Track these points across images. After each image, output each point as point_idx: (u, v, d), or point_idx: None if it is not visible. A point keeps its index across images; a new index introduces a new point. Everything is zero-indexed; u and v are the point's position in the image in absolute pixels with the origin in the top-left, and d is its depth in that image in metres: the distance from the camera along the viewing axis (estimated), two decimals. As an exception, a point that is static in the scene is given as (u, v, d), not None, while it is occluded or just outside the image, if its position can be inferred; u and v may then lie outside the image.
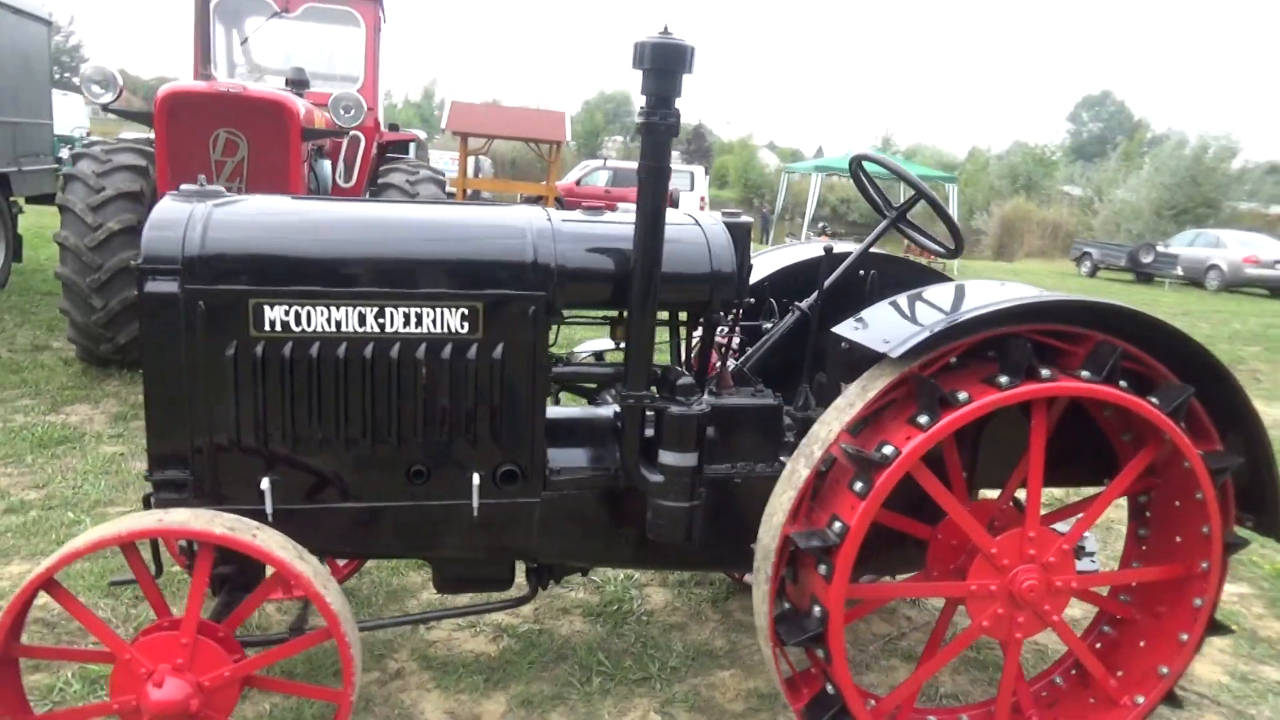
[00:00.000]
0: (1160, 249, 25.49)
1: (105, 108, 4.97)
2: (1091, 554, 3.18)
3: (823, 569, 2.34)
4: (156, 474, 2.43)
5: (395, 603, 3.52)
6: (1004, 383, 2.31)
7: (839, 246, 3.40)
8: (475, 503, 2.56)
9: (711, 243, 2.69)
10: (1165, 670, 2.63)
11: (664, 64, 2.35)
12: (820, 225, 24.74)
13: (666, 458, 2.58)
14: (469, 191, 23.23)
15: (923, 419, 2.31)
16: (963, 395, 2.31)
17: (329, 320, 2.42)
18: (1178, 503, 2.64)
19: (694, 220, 2.79)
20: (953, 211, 22.57)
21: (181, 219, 2.38)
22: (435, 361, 2.49)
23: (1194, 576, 2.61)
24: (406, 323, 2.47)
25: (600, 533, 2.75)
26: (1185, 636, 2.61)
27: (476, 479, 2.55)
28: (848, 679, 2.39)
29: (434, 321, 2.48)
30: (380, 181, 6.63)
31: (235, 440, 2.43)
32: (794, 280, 3.42)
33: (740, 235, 2.82)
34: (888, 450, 2.30)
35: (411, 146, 20.83)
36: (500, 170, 35.09)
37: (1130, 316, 2.42)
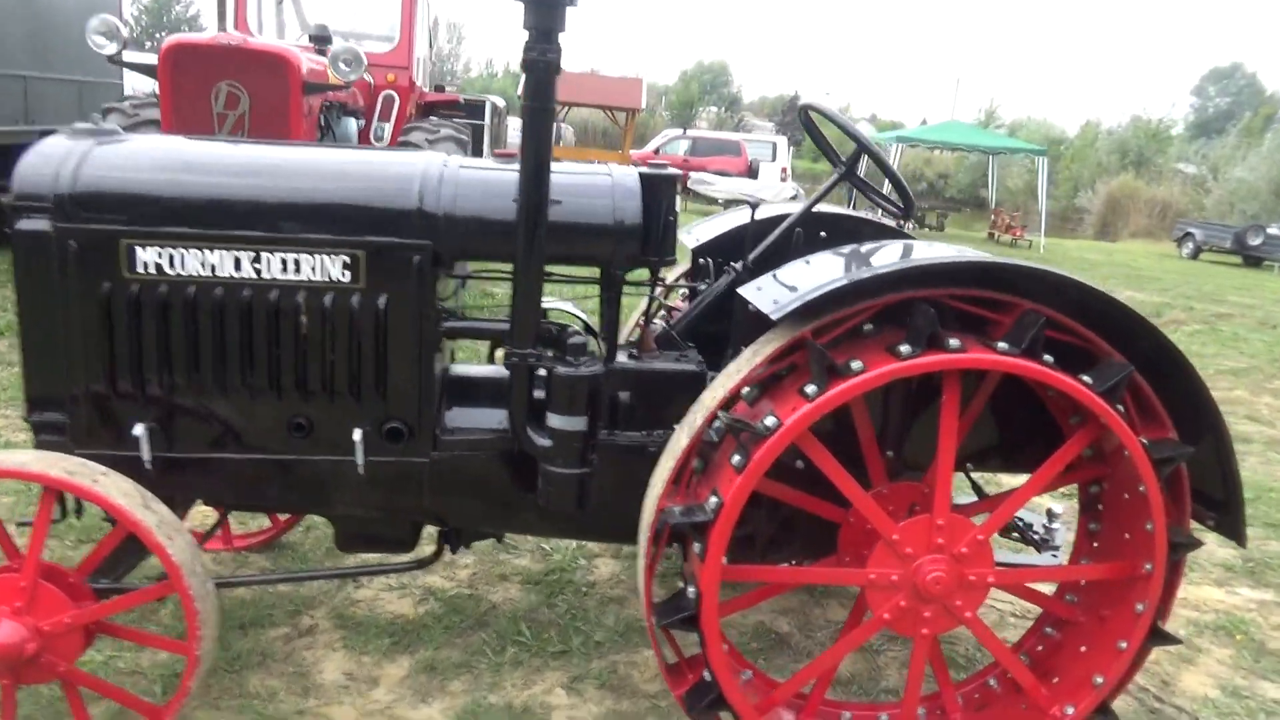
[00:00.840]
0: (1271, 231, 23.76)
1: (111, 59, 5.03)
2: (1056, 548, 2.90)
3: (697, 547, 2.16)
4: (35, 415, 2.40)
5: (333, 559, 3.47)
6: (904, 352, 2.08)
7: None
8: (360, 460, 2.46)
9: (617, 194, 2.49)
10: (1100, 680, 2.35)
11: None
12: (902, 199, 24.02)
13: (554, 421, 2.43)
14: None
15: (810, 389, 2.09)
16: (857, 364, 2.09)
17: (203, 264, 2.33)
18: (1126, 495, 2.35)
19: (604, 171, 2.60)
20: (1042, 187, 21.59)
21: (58, 156, 2.32)
22: (315, 311, 2.39)
23: (1137, 579, 2.32)
24: (284, 270, 2.36)
25: (497, 497, 2.62)
26: (1124, 645, 2.33)
27: (359, 435, 2.44)
28: (723, 665, 2.21)
29: (313, 269, 2.38)
30: (400, 140, 6.59)
31: (111, 385, 2.38)
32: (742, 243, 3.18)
33: (657, 188, 2.63)
34: (769, 421, 2.10)
35: (487, 109, 20.87)
36: (590, 140, 34.94)
37: (1060, 284, 2.15)
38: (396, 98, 7.61)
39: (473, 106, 22.13)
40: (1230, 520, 2.35)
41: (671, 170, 2.72)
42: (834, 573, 2.45)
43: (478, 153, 21.68)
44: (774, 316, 2.10)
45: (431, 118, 7.43)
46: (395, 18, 8.10)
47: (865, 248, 2.46)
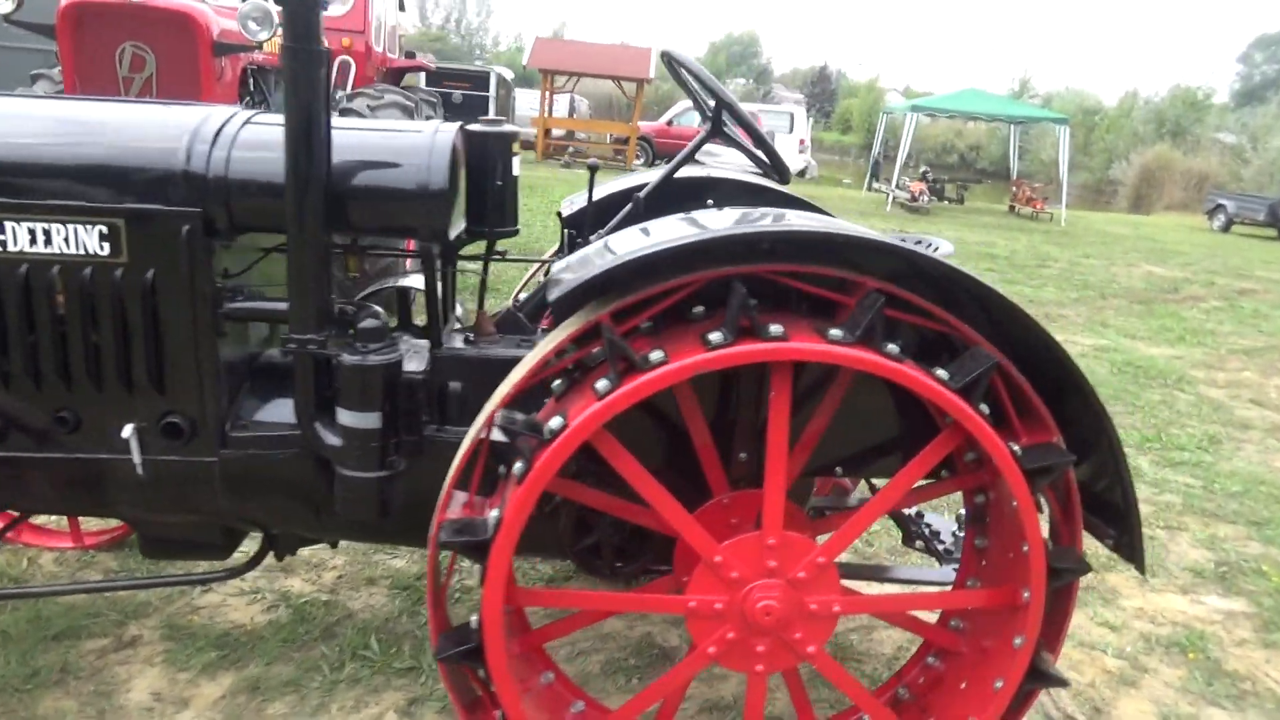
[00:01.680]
0: (1310, 202, 22.80)
1: (6, 18, 4.75)
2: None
3: (480, 570, 1.83)
4: None
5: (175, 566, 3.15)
6: (714, 341, 1.72)
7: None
8: (137, 458, 2.15)
9: (421, 154, 2.14)
10: (974, 724, 2.00)
11: None
12: (923, 170, 23.28)
13: (343, 418, 2.10)
14: (550, 132, 22.94)
15: (601, 384, 1.75)
16: (657, 355, 1.74)
17: None
18: (1006, 510, 1.99)
19: (415, 128, 2.24)
20: (1064, 157, 20.79)
21: None
22: (73, 289, 2.08)
23: (1016, 608, 1.95)
24: (33, 241, 2.05)
25: (302, 500, 2.30)
26: (1000, 684, 1.97)
27: (130, 430, 2.14)
28: (514, 704, 1.88)
29: (66, 241, 2.06)
30: (342, 107, 6.26)
31: None
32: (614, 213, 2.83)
33: (486, 148, 2.28)
34: (555, 422, 1.76)
35: (491, 79, 20.42)
36: (613, 113, 34.23)
37: (911, 260, 1.77)
38: (353, 63, 7.29)
39: (477, 77, 21.97)
40: (1127, 540, 1.98)
41: (508, 127, 2.38)
42: (647, 599, 2.11)
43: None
44: (550, 298, 1.75)
45: (379, 83, 7.08)
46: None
47: (704, 215, 2.10)
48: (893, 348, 1.75)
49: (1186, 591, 3.66)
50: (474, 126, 2.34)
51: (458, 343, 2.33)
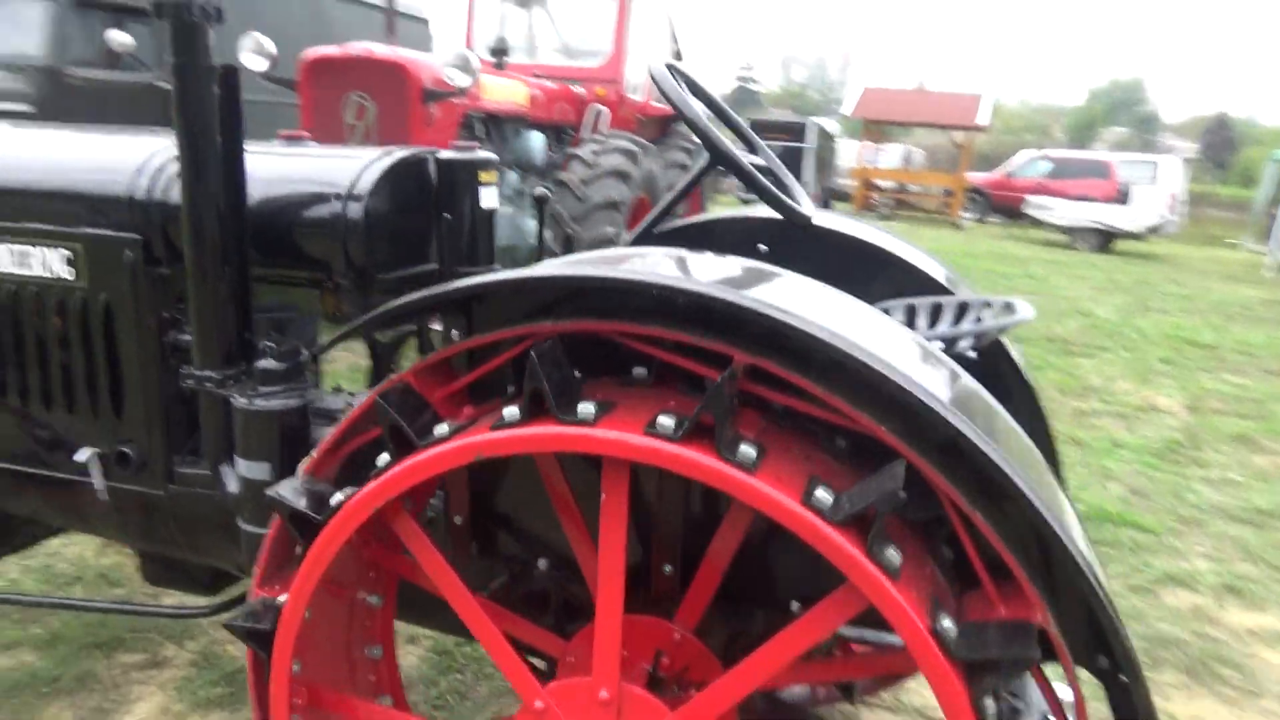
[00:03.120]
0: None
1: (264, 76, 5.33)
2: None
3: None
4: None
5: (107, 587, 3.16)
6: (506, 418, 1.31)
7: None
8: (99, 484, 2.15)
9: (354, 184, 1.92)
10: None
11: None
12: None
13: (238, 465, 1.92)
14: (874, 184, 22.12)
15: (381, 458, 1.40)
16: (441, 429, 1.36)
17: None
18: None
19: (352, 156, 2.04)
20: None
21: None
22: (47, 310, 2.13)
23: None
24: (14, 262, 2.13)
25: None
26: None
27: (86, 454, 2.13)
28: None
29: (40, 263, 2.12)
30: (570, 153, 6.36)
31: None
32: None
33: (453, 178, 2.03)
34: (335, 499, 1.44)
35: (809, 131, 20.21)
36: (945, 164, 32.67)
37: (796, 336, 1.22)
38: (606, 111, 7.42)
39: (794, 128, 21.81)
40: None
41: (478, 155, 2.10)
42: None
43: (797, 175, 21.23)
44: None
45: (603, 128, 7.08)
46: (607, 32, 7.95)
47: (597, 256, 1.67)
48: (747, 450, 1.21)
49: None
50: (444, 154, 2.09)
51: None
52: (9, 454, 2.25)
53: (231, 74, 1.86)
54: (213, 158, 1.82)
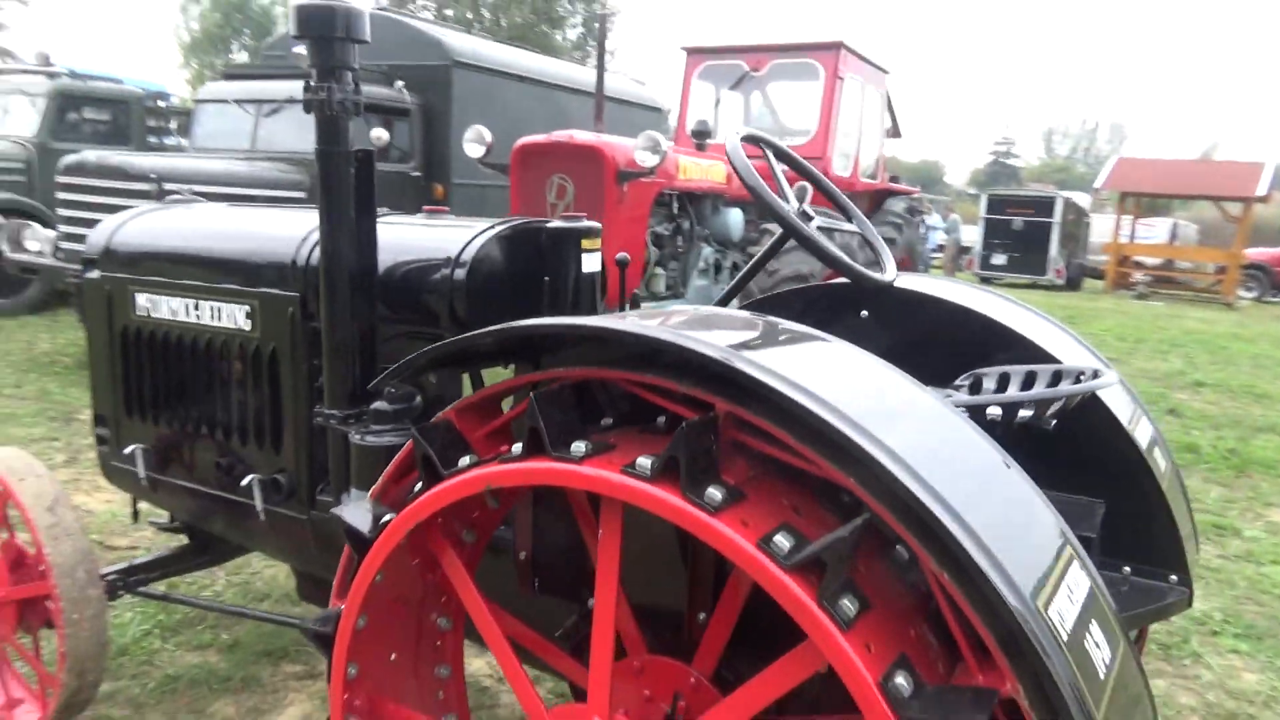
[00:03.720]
0: None
1: (480, 161, 5.90)
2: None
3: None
4: (96, 428, 2.95)
5: (289, 604, 3.46)
6: (510, 454, 1.44)
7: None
8: (259, 506, 2.51)
9: (460, 251, 2.18)
10: None
11: (319, 30, 2.05)
12: None
13: (352, 494, 2.17)
14: (1129, 260, 20.43)
15: (418, 486, 1.57)
16: (464, 462, 1.51)
17: (168, 309, 2.64)
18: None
19: (463, 226, 2.30)
20: None
21: (115, 222, 2.86)
22: (229, 355, 2.53)
23: None
24: (213, 316, 2.56)
25: None
26: None
27: (249, 480, 2.49)
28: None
29: (228, 317, 2.53)
30: (762, 226, 6.50)
31: (124, 407, 2.81)
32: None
33: (557, 246, 2.24)
34: (385, 519, 1.62)
35: (1057, 205, 19.30)
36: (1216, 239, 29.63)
37: (736, 379, 1.26)
38: (808, 188, 7.51)
39: (1040, 203, 20.70)
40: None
41: (583, 224, 2.29)
42: None
43: (1042, 251, 20.01)
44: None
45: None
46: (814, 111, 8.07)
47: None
48: (713, 492, 1.26)
49: None
50: (553, 224, 2.30)
51: None
52: (202, 478, 2.66)
53: (366, 157, 2.17)
54: (346, 228, 2.12)
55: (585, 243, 2.29)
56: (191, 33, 50.72)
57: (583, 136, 5.65)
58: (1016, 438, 2.21)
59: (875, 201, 8.67)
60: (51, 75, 10.35)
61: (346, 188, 2.12)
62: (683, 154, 6.41)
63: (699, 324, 1.56)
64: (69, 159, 7.59)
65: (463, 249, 2.18)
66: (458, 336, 1.56)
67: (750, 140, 2.35)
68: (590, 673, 1.45)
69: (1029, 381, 1.90)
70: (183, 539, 3.06)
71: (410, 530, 1.55)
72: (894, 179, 9.29)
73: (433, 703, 1.89)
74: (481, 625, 1.58)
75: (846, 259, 2.18)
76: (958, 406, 1.66)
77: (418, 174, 8.62)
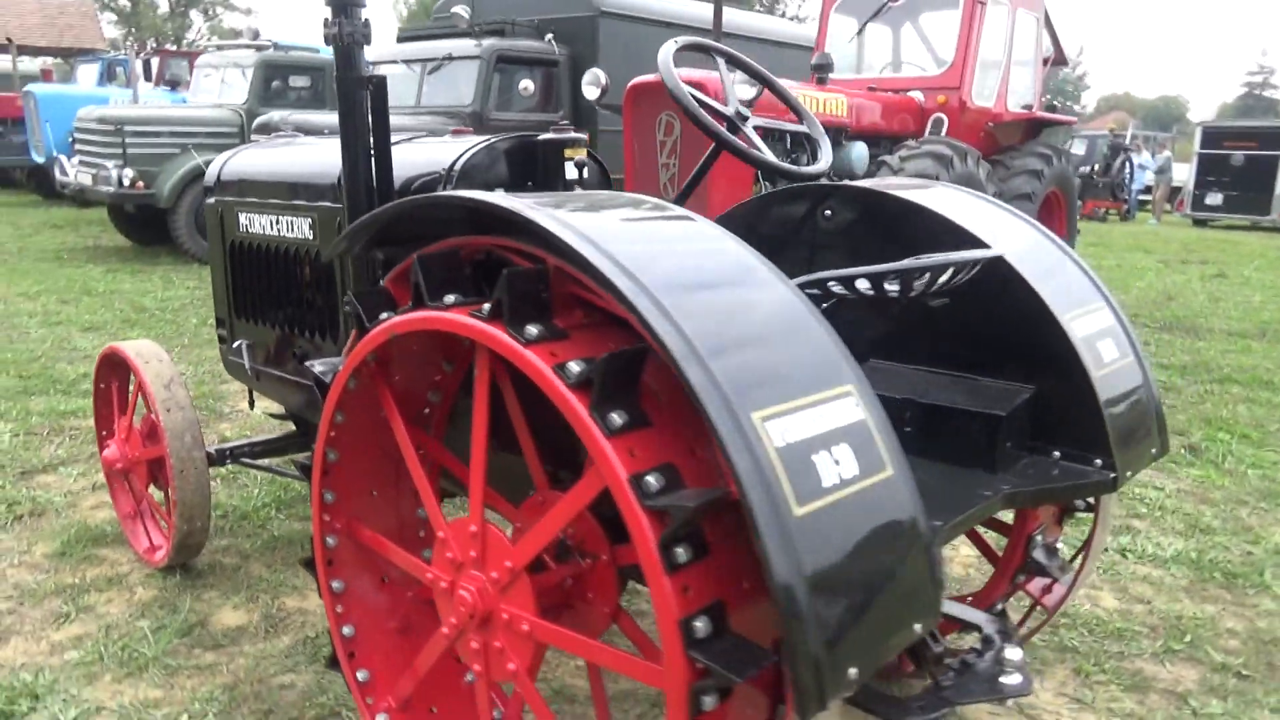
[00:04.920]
0: None
1: (596, 103, 6.18)
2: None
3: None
4: (218, 329, 3.55)
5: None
6: (407, 308, 1.77)
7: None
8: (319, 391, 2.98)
9: (449, 163, 2.50)
10: None
11: None
12: None
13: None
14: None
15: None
16: (382, 317, 1.85)
17: (259, 225, 3.16)
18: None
19: (454, 143, 2.61)
20: None
21: (226, 157, 3.42)
22: (299, 261, 3.01)
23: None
24: (290, 229, 3.05)
25: None
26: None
27: (314, 365, 2.97)
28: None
29: (297, 228, 3.00)
30: (903, 155, 6.45)
31: (233, 310, 3.38)
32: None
33: (542, 158, 2.52)
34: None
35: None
36: None
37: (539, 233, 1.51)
38: (944, 119, 7.33)
39: (1266, 135, 18.51)
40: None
41: (567, 135, 2.56)
42: (409, 559, 2.01)
43: (1266, 189, 17.93)
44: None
45: (931, 135, 6.90)
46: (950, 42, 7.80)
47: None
48: (531, 329, 1.52)
49: None
50: (543, 136, 2.58)
51: None
52: (288, 369, 3.18)
53: (380, 82, 2.53)
54: (364, 147, 2.49)
55: (568, 152, 2.56)
56: (408, 6, 54.12)
57: (688, 73, 5.83)
58: (949, 324, 2.32)
59: (1028, 133, 8.26)
60: (259, 49, 11.62)
61: (363, 110, 2.48)
62: (801, 88, 6.44)
63: (560, 200, 1.79)
64: (259, 119, 8.63)
65: (454, 162, 2.51)
66: (371, 213, 1.90)
67: (696, 48, 2.52)
68: (470, 493, 1.76)
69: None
70: (290, 426, 3.63)
71: (350, 374, 1.91)
72: (1051, 108, 8.78)
73: (413, 540, 2.25)
74: (407, 456, 1.92)
75: (769, 157, 2.33)
76: (804, 282, 1.83)
77: (565, 122, 9.06)
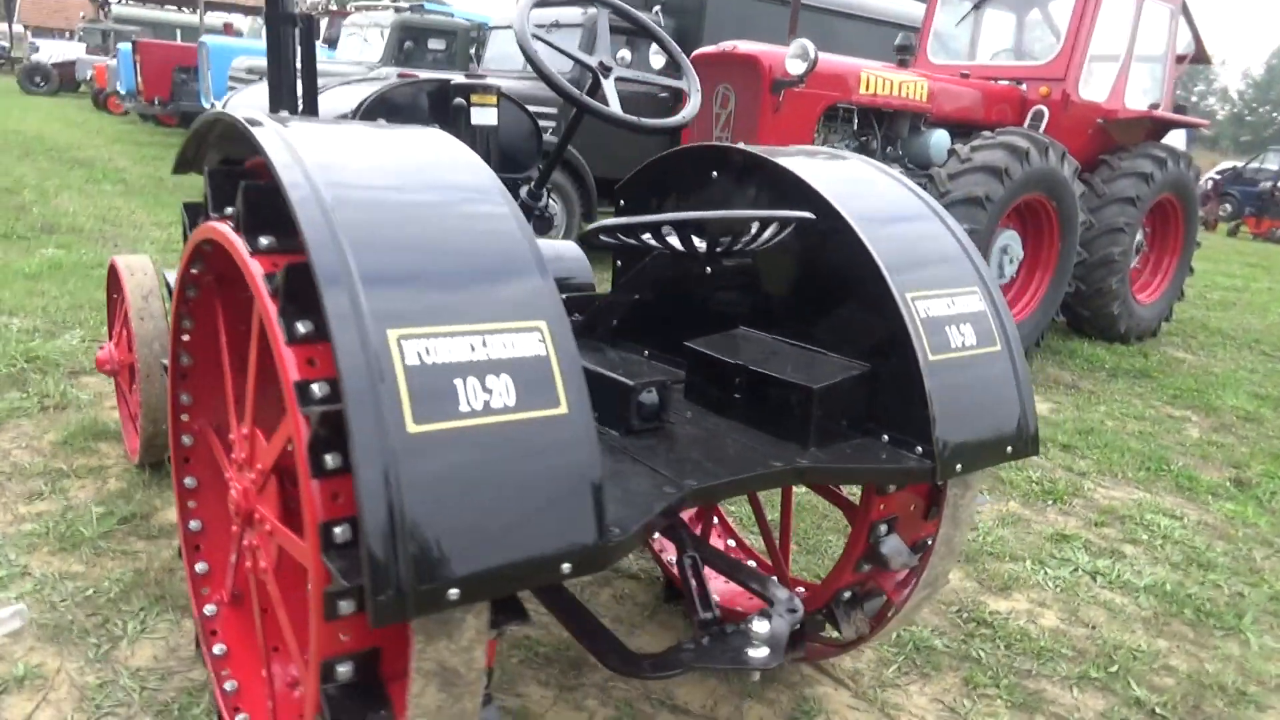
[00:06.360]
0: None
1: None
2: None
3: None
4: None
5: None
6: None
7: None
8: None
9: (358, 108, 2.61)
10: None
11: None
12: None
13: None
14: None
15: None
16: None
17: None
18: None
19: (357, 93, 2.71)
20: None
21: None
22: None
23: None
24: None
25: None
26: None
27: None
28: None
29: None
30: (951, 148, 6.11)
31: None
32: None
33: (435, 100, 2.60)
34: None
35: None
36: None
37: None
38: (1045, 111, 6.90)
39: None
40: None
41: (481, 83, 2.61)
42: (224, 459, 2.10)
43: None
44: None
45: (1029, 128, 6.44)
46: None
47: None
48: (262, 240, 1.59)
49: None
50: (455, 80, 2.64)
51: None
52: None
53: (309, 20, 2.65)
54: (289, 82, 2.62)
55: (476, 97, 2.61)
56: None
57: (746, 47, 5.73)
58: (810, 297, 2.26)
59: (1151, 133, 7.64)
60: (398, 10, 12.18)
61: (291, 48, 2.61)
62: (872, 68, 6.20)
63: (315, 122, 1.81)
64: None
65: (358, 106, 2.61)
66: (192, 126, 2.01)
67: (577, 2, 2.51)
68: (246, 396, 1.86)
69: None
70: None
71: (188, 283, 2.04)
72: (1180, 109, 8.08)
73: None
74: (224, 363, 2.03)
75: (620, 114, 2.30)
76: (596, 228, 1.82)
77: (664, 95, 9.08)
